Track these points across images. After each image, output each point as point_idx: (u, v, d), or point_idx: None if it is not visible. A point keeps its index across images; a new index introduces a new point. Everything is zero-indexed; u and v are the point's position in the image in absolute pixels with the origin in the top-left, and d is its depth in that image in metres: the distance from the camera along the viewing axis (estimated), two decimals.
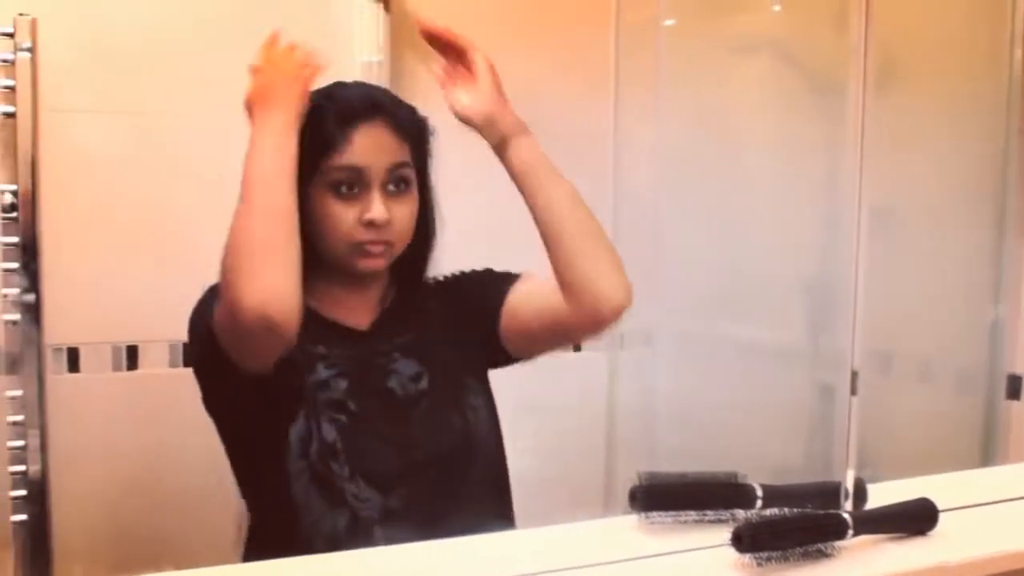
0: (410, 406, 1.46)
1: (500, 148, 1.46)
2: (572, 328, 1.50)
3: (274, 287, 1.26)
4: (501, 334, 1.52)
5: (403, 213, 1.43)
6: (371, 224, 1.39)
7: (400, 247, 1.46)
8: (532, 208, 1.45)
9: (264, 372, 1.33)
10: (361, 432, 1.41)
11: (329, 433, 1.39)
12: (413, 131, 1.47)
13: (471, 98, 1.46)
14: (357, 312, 1.50)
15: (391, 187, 1.42)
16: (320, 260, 1.42)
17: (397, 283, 1.54)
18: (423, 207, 1.50)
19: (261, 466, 1.42)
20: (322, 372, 1.42)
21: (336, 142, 1.39)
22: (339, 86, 1.47)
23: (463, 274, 1.60)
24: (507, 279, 1.55)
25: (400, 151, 1.43)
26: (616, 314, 1.44)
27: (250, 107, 1.37)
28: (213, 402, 1.43)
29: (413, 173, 1.46)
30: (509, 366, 1.58)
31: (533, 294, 1.51)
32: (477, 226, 1.82)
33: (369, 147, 1.40)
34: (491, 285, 1.56)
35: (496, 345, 1.53)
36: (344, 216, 1.39)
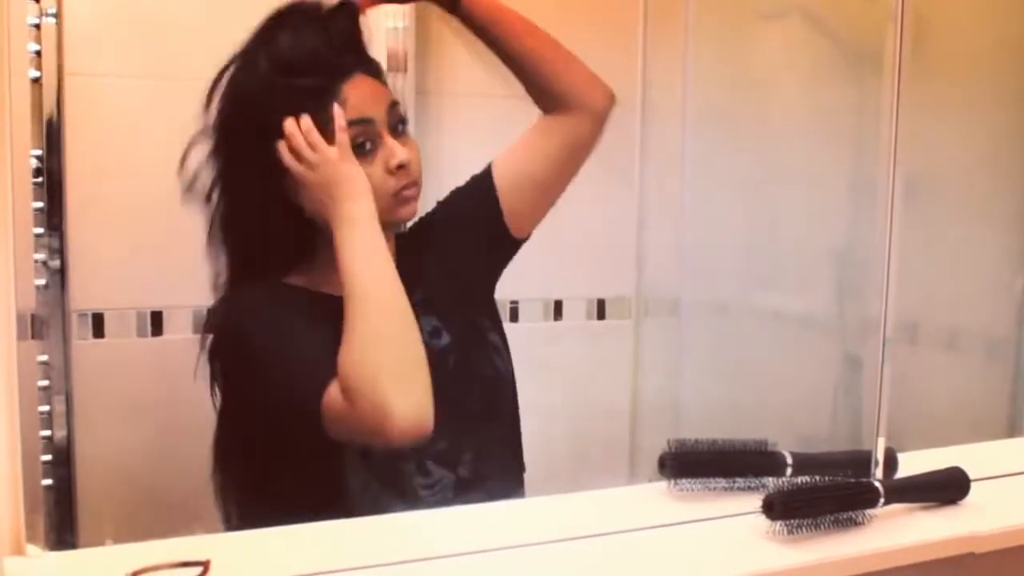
0: (440, 365, 1.41)
1: (450, 7, 1.49)
2: (582, 137, 1.53)
3: (426, 403, 1.24)
4: (505, 212, 1.52)
5: (414, 151, 1.43)
6: (400, 167, 1.38)
7: (420, 187, 1.45)
8: (505, 42, 1.50)
9: None
10: None
11: None
12: (381, 74, 1.46)
13: None
14: None
15: (399, 126, 1.42)
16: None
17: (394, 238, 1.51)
18: None
19: (313, 485, 1.39)
20: None
21: (336, 102, 1.36)
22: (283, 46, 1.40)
23: (447, 194, 1.60)
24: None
25: (387, 92, 1.43)
26: (611, 105, 1.54)
27: (321, 207, 1.34)
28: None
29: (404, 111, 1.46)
30: (516, 251, 1.57)
31: (523, 145, 1.54)
32: None
33: (364, 97, 1.38)
34: (472, 180, 1.57)
35: (503, 233, 1.53)
36: (373, 172, 1.37)
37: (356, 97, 1.37)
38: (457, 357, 1.45)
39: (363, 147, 1.37)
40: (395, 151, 1.38)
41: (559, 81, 1.51)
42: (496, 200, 1.52)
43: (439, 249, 1.53)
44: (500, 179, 1.53)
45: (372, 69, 1.42)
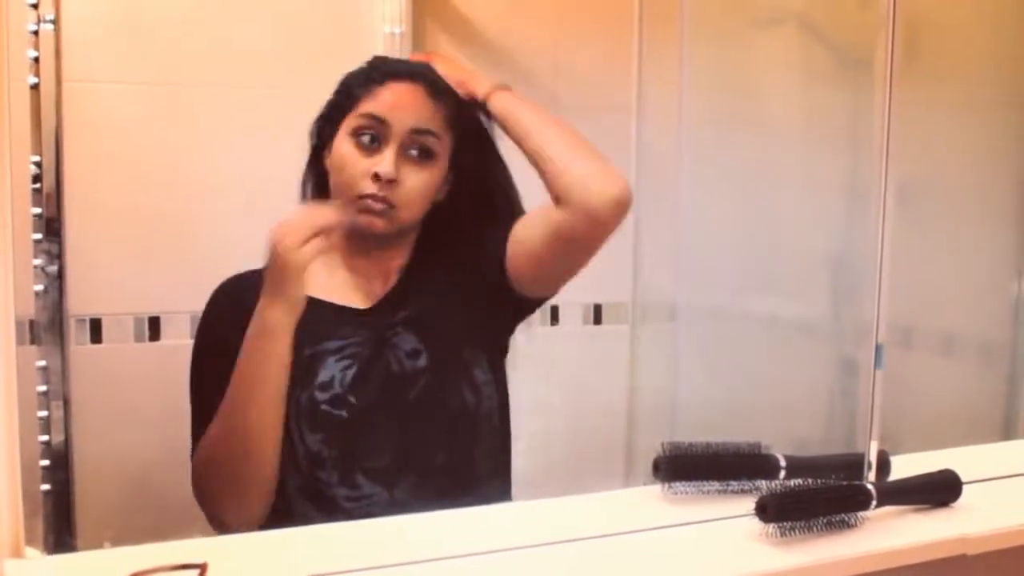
0: (408, 386, 1.44)
1: (483, 106, 1.50)
2: (574, 233, 1.43)
3: (242, 520, 1.33)
4: (509, 272, 1.49)
5: (416, 181, 1.43)
6: (376, 178, 1.39)
7: (407, 215, 1.44)
8: (518, 141, 1.48)
9: None
10: (361, 426, 1.40)
11: (313, 442, 1.38)
12: (452, 107, 1.47)
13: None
14: (359, 291, 1.49)
15: (412, 151, 1.42)
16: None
17: (413, 256, 1.53)
18: (461, 185, 1.52)
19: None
20: (332, 368, 1.41)
21: (365, 92, 1.42)
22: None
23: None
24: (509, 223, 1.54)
25: (429, 118, 1.44)
26: (613, 207, 1.40)
27: None
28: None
29: (440, 145, 1.46)
30: (531, 312, 1.57)
31: (533, 217, 1.51)
32: None
33: (394, 103, 1.42)
34: (492, 230, 1.54)
35: (506, 288, 1.49)
36: (356, 163, 1.40)
37: (389, 94, 1.42)
38: (428, 381, 1.44)
39: (371, 142, 1.41)
40: (382, 161, 1.40)
41: (564, 178, 1.42)
42: (503, 260, 1.49)
43: (450, 275, 1.52)
44: (512, 240, 1.49)
45: (434, 89, 1.46)
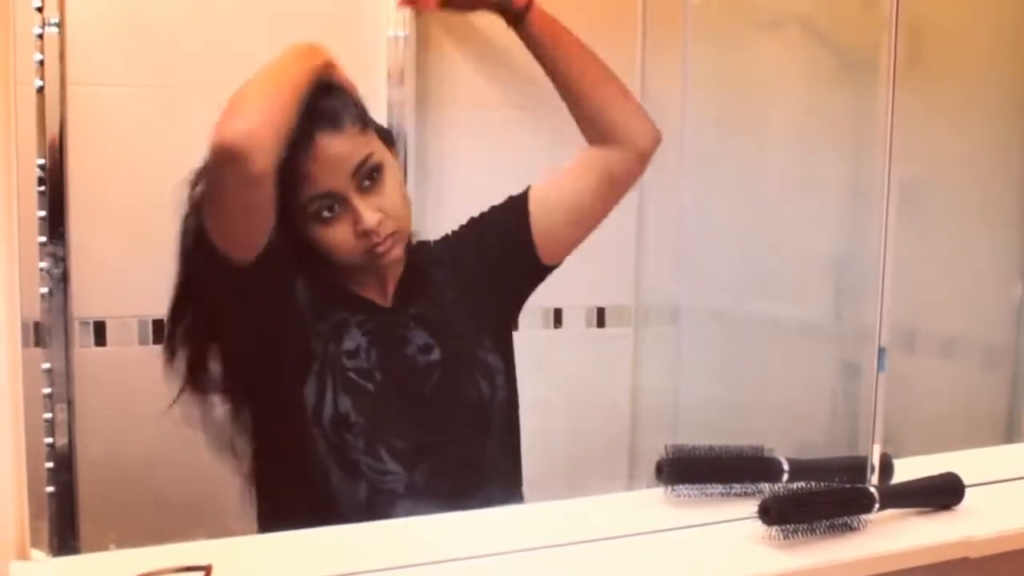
0: (424, 379, 1.46)
1: (514, 21, 1.50)
2: (628, 173, 1.53)
3: (251, 120, 1.25)
4: (533, 229, 1.52)
5: (390, 198, 1.40)
6: (367, 233, 1.37)
7: (407, 226, 1.44)
8: (559, 64, 1.50)
9: (248, 263, 1.31)
10: (387, 404, 1.42)
11: (344, 403, 1.38)
12: (355, 117, 1.40)
13: None
14: (378, 291, 1.49)
15: (366, 183, 1.38)
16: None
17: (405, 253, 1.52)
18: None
19: (276, 424, 1.43)
20: (356, 337, 1.42)
21: (297, 178, 1.34)
22: None
23: (477, 215, 1.60)
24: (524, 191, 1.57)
25: (355, 147, 1.38)
26: (655, 145, 1.53)
27: None
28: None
29: (381, 151, 1.42)
30: (540, 282, 1.58)
31: (555, 174, 1.54)
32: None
33: (324, 169, 1.35)
34: (511, 197, 1.56)
35: (528, 248, 1.52)
36: (341, 236, 1.38)
37: (316, 169, 1.35)
38: (442, 374, 1.46)
39: (332, 211, 1.37)
40: (362, 216, 1.36)
41: (609, 113, 1.51)
42: (528, 227, 1.52)
43: (457, 266, 1.54)
44: (536, 206, 1.53)
45: (336, 124, 1.37)
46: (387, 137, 1.48)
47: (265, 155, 1.24)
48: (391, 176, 1.42)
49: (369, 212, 1.37)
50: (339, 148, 1.36)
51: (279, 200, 1.32)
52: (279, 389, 1.40)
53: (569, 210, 1.53)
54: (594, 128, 1.51)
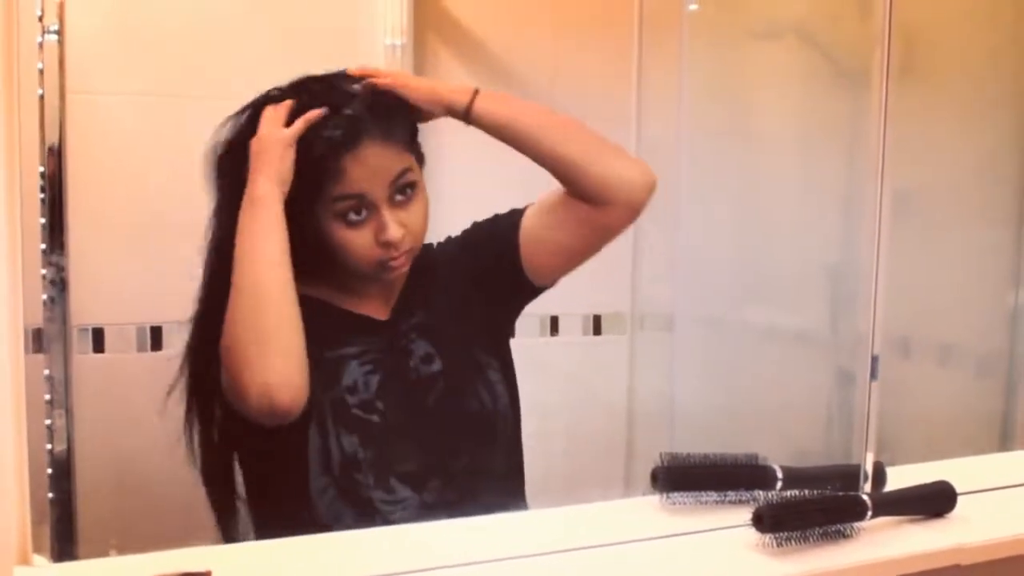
0: (426, 392, 1.46)
1: (468, 116, 1.45)
2: (617, 225, 1.50)
3: (275, 373, 1.27)
4: (523, 259, 1.51)
5: (415, 217, 1.41)
6: (388, 244, 1.38)
7: (420, 246, 1.46)
8: (520, 144, 1.45)
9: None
10: (391, 431, 1.41)
11: (349, 443, 1.38)
12: (405, 133, 1.43)
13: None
14: (378, 303, 1.50)
15: (399, 197, 1.40)
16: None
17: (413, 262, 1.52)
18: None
19: (279, 487, 1.44)
20: (355, 372, 1.42)
21: (331, 173, 1.36)
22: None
23: (471, 226, 1.59)
24: (515, 211, 1.55)
25: (398, 159, 1.39)
26: (649, 194, 1.47)
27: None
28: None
29: (417, 171, 1.44)
30: (535, 297, 1.57)
31: (551, 211, 1.51)
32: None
33: (364, 173, 1.36)
34: (502, 218, 1.56)
35: (519, 273, 1.52)
36: (361, 241, 1.38)
37: (356, 170, 1.36)
38: (445, 385, 1.47)
39: (359, 214, 1.38)
40: (386, 226, 1.37)
41: (593, 176, 1.44)
42: (517, 254, 1.51)
43: (451, 278, 1.55)
44: (526, 235, 1.52)
45: (384, 135, 1.38)
46: (421, 160, 1.48)
47: (303, 393, 1.31)
48: (420, 197, 1.43)
49: (395, 225, 1.38)
50: (385, 158, 1.38)
51: (296, 191, 1.35)
52: (283, 450, 1.40)
53: (559, 247, 1.51)
54: (583, 191, 1.46)
